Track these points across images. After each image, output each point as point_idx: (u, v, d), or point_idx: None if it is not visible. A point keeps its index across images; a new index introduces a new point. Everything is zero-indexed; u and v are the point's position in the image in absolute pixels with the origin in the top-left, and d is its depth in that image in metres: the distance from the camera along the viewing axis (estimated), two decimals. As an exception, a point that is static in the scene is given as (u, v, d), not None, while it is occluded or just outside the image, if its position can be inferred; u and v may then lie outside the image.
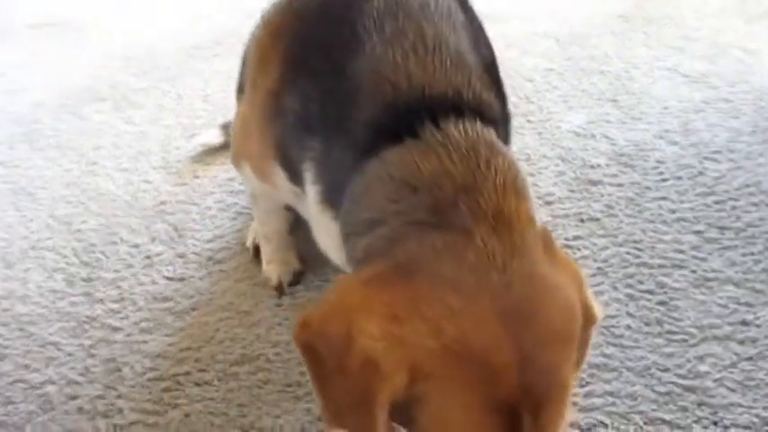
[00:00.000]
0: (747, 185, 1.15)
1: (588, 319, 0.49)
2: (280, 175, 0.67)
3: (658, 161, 1.23)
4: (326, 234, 0.61)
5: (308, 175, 0.59)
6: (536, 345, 0.42)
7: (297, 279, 0.96)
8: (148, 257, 1.07)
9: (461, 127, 0.49)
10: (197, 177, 1.26)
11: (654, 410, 0.78)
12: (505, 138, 0.59)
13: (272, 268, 0.96)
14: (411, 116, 0.50)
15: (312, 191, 0.59)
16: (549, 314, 0.44)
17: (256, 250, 1.02)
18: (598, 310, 0.51)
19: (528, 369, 0.41)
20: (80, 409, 0.83)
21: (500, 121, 0.56)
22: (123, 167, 1.33)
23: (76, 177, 1.32)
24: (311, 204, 0.61)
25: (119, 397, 0.84)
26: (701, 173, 1.19)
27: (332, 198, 0.57)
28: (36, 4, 2.41)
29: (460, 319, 0.41)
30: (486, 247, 0.43)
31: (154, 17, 2.17)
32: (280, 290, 0.95)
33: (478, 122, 0.50)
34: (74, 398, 0.84)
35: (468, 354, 0.40)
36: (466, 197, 0.46)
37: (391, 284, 0.43)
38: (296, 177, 0.63)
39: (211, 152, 1.33)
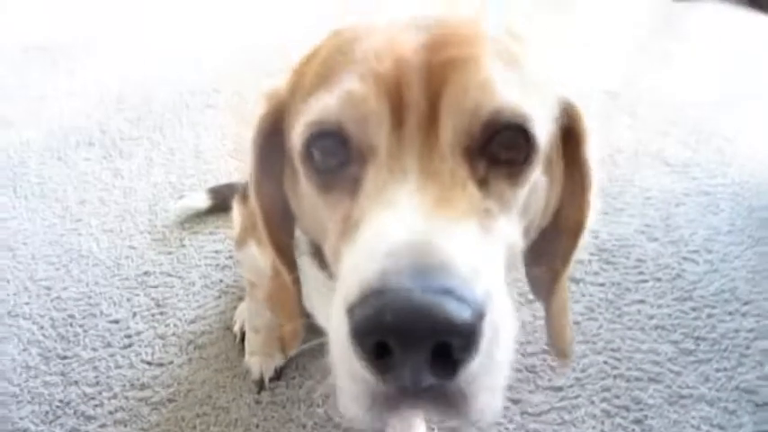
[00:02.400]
0: (723, 291, 1.18)
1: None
2: None
3: (639, 260, 1.26)
4: (315, 288, 0.57)
5: None
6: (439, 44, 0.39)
7: (278, 374, 0.96)
8: (128, 336, 1.05)
9: None
10: (183, 246, 1.25)
11: None
12: None
13: (255, 361, 0.96)
14: None
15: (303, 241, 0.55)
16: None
17: (243, 336, 1.01)
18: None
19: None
20: None
21: None
22: (108, 228, 1.32)
23: (59, 236, 1.30)
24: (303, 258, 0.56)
25: (88, 497, 0.82)
26: (678, 275, 1.22)
27: None
28: (31, 26, 2.39)
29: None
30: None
31: (150, 52, 2.17)
32: (260, 384, 0.95)
33: None
34: (41, 496, 0.82)
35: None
36: None
37: None
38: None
39: (199, 218, 1.32)
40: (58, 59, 2.13)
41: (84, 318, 1.09)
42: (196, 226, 1.31)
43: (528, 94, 0.39)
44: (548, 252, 0.49)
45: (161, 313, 1.09)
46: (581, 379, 0.99)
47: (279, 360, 0.97)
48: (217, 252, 1.23)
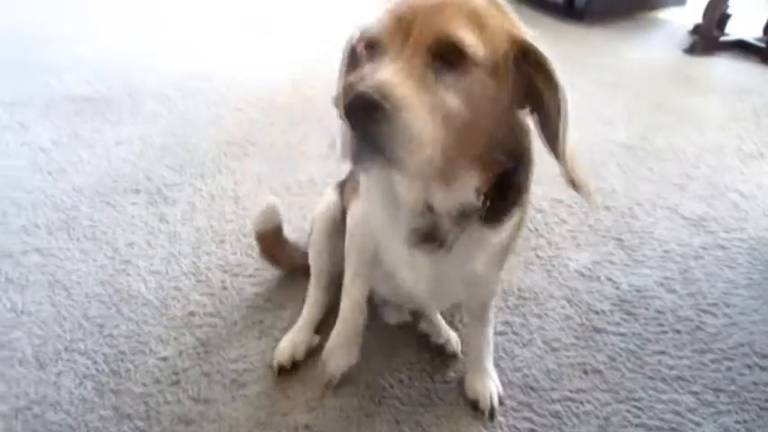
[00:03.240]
0: (742, 344, 1.23)
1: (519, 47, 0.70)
2: None
3: (658, 311, 1.31)
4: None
5: None
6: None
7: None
8: (175, 373, 1.12)
9: None
10: (225, 288, 1.34)
11: None
12: None
13: (331, 355, 1.01)
14: None
15: None
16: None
17: (281, 370, 1.11)
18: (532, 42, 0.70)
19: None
20: None
21: None
22: (155, 269, 1.41)
23: (110, 276, 1.39)
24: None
25: None
26: (698, 327, 1.27)
27: None
28: (79, 80, 2.57)
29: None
30: None
31: (190, 106, 2.32)
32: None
33: None
34: None
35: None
36: None
37: None
38: None
39: (239, 263, 1.41)
40: (104, 111, 2.29)
41: (134, 354, 1.17)
42: (236, 269, 1.39)
43: (473, 31, 0.67)
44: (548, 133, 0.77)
45: (206, 352, 1.17)
46: (604, 427, 1.03)
47: (354, 357, 1.01)
48: (256, 294, 1.31)
